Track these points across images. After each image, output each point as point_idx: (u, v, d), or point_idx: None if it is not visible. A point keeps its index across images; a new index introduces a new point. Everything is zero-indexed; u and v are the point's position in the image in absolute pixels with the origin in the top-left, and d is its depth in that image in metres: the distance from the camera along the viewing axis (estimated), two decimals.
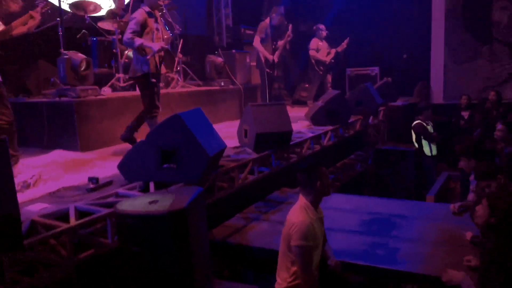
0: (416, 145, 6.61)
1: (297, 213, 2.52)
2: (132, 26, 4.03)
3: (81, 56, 4.89)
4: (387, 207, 4.27)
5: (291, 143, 4.60)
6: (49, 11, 3.95)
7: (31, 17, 3.67)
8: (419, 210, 4.15)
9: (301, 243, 2.41)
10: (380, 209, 4.19)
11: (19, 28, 3.64)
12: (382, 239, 3.49)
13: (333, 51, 7.79)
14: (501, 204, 2.32)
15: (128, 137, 4.38)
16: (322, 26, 7.88)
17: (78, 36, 5.71)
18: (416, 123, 6.51)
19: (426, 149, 6.47)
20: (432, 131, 6.52)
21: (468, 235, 3.26)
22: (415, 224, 3.76)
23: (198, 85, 6.81)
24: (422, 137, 6.48)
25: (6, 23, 3.64)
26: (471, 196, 3.88)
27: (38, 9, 3.73)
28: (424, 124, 6.46)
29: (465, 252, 2.96)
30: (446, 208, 3.99)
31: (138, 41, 4.01)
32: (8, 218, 1.95)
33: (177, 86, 6.23)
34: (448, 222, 3.71)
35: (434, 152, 6.46)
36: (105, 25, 5.91)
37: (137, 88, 4.49)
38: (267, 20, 6.81)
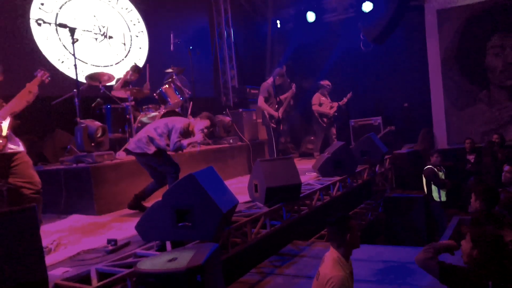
0: (426, 189, 6.64)
1: (332, 267, 2.48)
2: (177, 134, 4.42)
3: (97, 124, 5.12)
4: (400, 255, 4.27)
5: (301, 195, 4.66)
6: (49, 78, 3.73)
7: (29, 92, 3.55)
8: None
9: None
10: (394, 257, 4.19)
11: (21, 104, 3.52)
12: (398, 287, 3.48)
13: (336, 104, 8.00)
14: (484, 236, 2.25)
15: (135, 205, 4.55)
16: (325, 82, 8.11)
17: (93, 105, 6.01)
18: (427, 168, 6.57)
19: (435, 195, 6.49)
20: (443, 177, 6.56)
21: None
22: None
23: (208, 144, 7.05)
24: (432, 182, 6.53)
25: None
26: None
27: (39, 77, 3.62)
28: (435, 169, 6.52)
29: None
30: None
31: (185, 142, 4.42)
32: (38, 283, 2.06)
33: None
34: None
35: (443, 198, 6.46)
36: (118, 93, 6.25)
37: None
38: (269, 80, 7.03)
